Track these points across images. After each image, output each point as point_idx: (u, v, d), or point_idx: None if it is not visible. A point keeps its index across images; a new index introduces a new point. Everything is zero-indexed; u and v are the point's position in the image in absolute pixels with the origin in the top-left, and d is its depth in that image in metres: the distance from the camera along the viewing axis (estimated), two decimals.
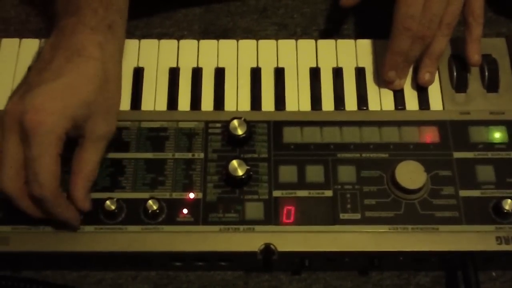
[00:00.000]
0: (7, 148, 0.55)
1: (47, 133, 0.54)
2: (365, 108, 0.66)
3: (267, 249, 0.59)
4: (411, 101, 0.66)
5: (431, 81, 0.66)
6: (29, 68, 0.61)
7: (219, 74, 0.67)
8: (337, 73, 0.68)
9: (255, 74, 0.67)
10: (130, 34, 0.74)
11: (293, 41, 0.69)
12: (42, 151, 0.54)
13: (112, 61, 0.59)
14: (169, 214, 0.60)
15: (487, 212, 0.60)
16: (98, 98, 0.57)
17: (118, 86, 0.61)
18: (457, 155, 0.63)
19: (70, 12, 0.58)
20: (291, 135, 0.64)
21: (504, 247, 0.59)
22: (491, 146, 0.64)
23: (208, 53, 0.69)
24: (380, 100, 0.66)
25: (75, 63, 0.56)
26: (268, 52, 0.69)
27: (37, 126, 0.54)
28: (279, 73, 0.67)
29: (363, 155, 0.63)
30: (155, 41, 0.69)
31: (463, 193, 0.61)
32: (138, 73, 0.67)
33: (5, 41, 0.69)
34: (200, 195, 0.61)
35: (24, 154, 0.55)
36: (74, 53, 0.57)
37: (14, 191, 0.55)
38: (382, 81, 0.67)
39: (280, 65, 0.68)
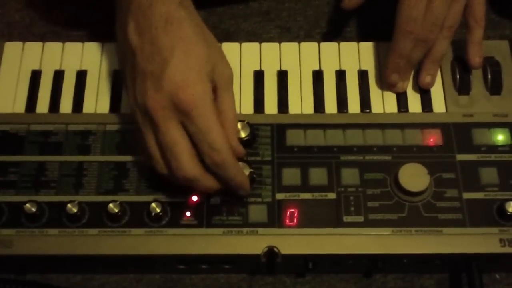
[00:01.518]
0: (172, 137, 0.55)
1: (203, 101, 0.55)
2: (368, 110, 0.66)
3: (271, 252, 0.59)
4: (414, 103, 0.66)
5: (431, 84, 0.66)
6: (122, 63, 0.60)
7: None
8: (340, 75, 0.68)
9: (258, 77, 0.68)
10: None
11: (296, 44, 0.69)
12: (208, 119, 0.55)
13: (195, 15, 0.60)
14: (172, 217, 0.60)
15: (490, 215, 0.60)
16: (210, 49, 0.58)
17: (211, 34, 0.62)
18: (461, 157, 0.63)
19: None
20: (294, 137, 0.64)
21: (508, 250, 0.59)
22: (494, 148, 0.63)
23: None
24: (383, 103, 0.66)
25: (173, 32, 0.56)
26: (271, 55, 0.69)
27: (193, 99, 0.55)
28: (282, 76, 0.68)
29: (366, 157, 0.63)
30: None
31: (467, 195, 0.61)
32: None
33: (9, 44, 0.69)
34: (204, 198, 0.61)
35: (190, 133, 0.55)
36: (165, 23, 0.56)
37: (197, 173, 0.56)
38: (385, 84, 0.67)
39: (283, 68, 0.68)
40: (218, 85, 0.59)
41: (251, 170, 0.61)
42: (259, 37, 0.76)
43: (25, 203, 0.59)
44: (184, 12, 0.57)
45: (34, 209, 0.59)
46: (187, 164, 0.56)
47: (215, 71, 0.58)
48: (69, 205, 0.59)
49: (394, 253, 0.59)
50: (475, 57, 0.65)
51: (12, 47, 0.69)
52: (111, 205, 0.59)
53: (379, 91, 0.67)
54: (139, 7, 0.57)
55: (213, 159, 0.56)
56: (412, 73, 0.67)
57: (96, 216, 0.60)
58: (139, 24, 0.57)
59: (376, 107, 0.66)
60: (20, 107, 0.66)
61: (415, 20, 0.61)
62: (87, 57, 0.69)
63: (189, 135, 0.56)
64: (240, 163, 0.60)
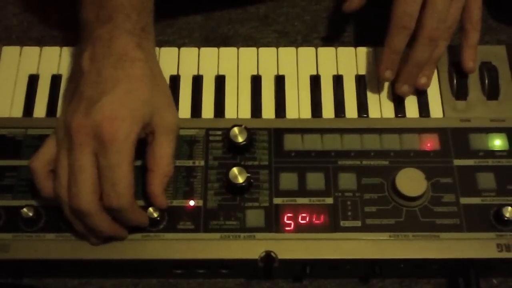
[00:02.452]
0: (80, 164, 0.55)
1: (124, 140, 0.55)
2: (365, 115, 0.66)
3: (268, 257, 0.59)
4: (412, 108, 0.66)
5: (427, 85, 0.66)
6: (70, 81, 0.62)
7: (220, 81, 0.68)
8: (338, 80, 0.68)
9: (256, 81, 0.68)
10: None
11: (293, 49, 0.70)
12: (120, 159, 0.54)
13: (152, 58, 0.60)
14: (170, 221, 0.60)
15: (488, 220, 0.60)
16: (154, 93, 0.58)
17: (164, 79, 0.62)
18: (458, 162, 0.63)
19: (103, 20, 0.58)
20: (291, 142, 0.64)
21: (505, 255, 0.59)
22: (491, 153, 0.64)
23: (209, 60, 0.69)
24: (381, 108, 0.66)
25: (122, 69, 0.57)
26: (269, 60, 0.69)
27: (114, 134, 0.54)
28: (280, 81, 0.68)
29: (364, 162, 0.63)
30: (156, 48, 0.68)
31: (464, 200, 0.61)
32: None
33: (6, 49, 0.69)
34: (201, 203, 0.61)
35: (99, 166, 0.55)
36: (118, 59, 0.57)
37: (92, 208, 0.55)
38: (382, 87, 0.66)
39: (281, 73, 0.68)
40: (157, 130, 0.58)
41: (248, 175, 0.61)
42: (256, 42, 0.76)
43: (22, 207, 0.59)
44: (140, 53, 0.58)
45: (31, 214, 0.59)
46: (85, 195, 0.55)
47: (155, 116, 0.58)
48: None
49: (391, 258, 0.59)
50: (469, 61, 0.65)
51: (9, 51, 0.69)
52: None
53: (377, 96, 0.67)
54: (99, 39, 0.58)
55: (110, 201, 0.55)
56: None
57: None
58: (95, 53, 0.58)
59: (374, 112, 0.66)
60: (17, 111, 0.66)
61: (410, 15, 0.61)
62: None
63: (99, 169, 0.55)
64: (238, 168, 0.61)
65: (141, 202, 0.61)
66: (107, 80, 0.56)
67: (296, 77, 0.68)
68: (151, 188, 0.58)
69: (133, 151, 0.56)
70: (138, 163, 0.60)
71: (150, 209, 0.59)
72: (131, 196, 0.56)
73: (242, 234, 0.60)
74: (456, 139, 0.64)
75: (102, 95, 0.56)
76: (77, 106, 0.56)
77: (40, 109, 0.66)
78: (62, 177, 0.56)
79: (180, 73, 0.68)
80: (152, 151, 0.58)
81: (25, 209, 0.59)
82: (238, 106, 0.66)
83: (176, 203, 0.61)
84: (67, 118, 0.57)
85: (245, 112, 0.66)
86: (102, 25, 0.58)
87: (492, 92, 0.67)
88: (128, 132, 0.55)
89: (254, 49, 0.69)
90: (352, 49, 0.70)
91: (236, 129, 0.63)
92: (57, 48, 0.69)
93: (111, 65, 0.57)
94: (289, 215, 0.61)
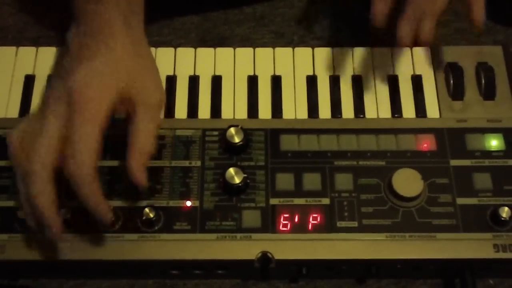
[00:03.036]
0: (45, 128, 0.54)
1: (93, 107, 0.53)
2: (362, 116, 0.66)
3: (264, 257, 0.59)
4: (408, 109, 0.66)
5: (429, 37, 0.62)
6: (57, 64, 0.61)
7: (216, 82, 0.67)
8: (334, 81, 0.68)
9: (252, 82, 0.68)
10: None
11: (290, 49, 0.70)
12: (86, 127, 0.53)
13: (137, 32, 0.60)
14: (166, 222, 0.60)
15: (484, 220, 0.60)
16: (135, 67, 0.57)
17: (150, 53, 0.61)
18: (454, 162, 0.63)
19: (91, 1, 0.58)
20: (288, 142, 0.64)
21: (501, 255, 0.59)
22: (488, 153, 0.64)
23: (205, 61, 0.69)
24: (377, 108, 0.66)
25: (106, 42, 0.56)
26: (265, 60, 0.69)
27: (83, 101, 0.53)
28: (276, 81, 0.68)
29: (360, 162, 0.63)
30: (152, 49, 0.69)
31: (460, 200, 0.61)
32: None
33: (2, 49, 0.69)
34: (197, 203, 0.61)
35: (66, 132, 0.53)
36: (102, 32, 0.57)
37: (38, 169, 0.53)
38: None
39: (277, 73, 0.68)
40: (138, 104, 0.57)
41: (245, 175, 0.61)
42: (253, 42, 0.76)
43: (17, 208, 0.59)
44: (125, 28, 0.58)
45: None
46: (38, 157, 0.53)
47: (136, 89, 0.57)
48: (62, 211, 0.59)
49: (388, 258, 0.59)
50: (478, 16, 0.61)
51: (5, 52, 0.69)
52: None
53: (373, 96, 0.67)
54: (86, 14, 0.58)
55: (67, 168, 0.53)
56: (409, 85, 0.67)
57: (89, 222, 0.59)
58: (81, 28, 0.58)
59: (370, 112, 0.66)
60: (13, 112, 0.66)
61: None
62: None
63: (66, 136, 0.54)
64: (234, 168, 0.61)
65: (143, 202, 0.61)
66: (87, 51, 0.56)
67: (293, 77, 0.68)
68: (128, 164, 0.56)
69: (103, 121, 0.54)
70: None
71: (146, 209, 0.59)
72: (92, 168, 0.53)
73: (238, 235, 0.60)
74: (453, 139, 0.64)
75: (79, 64, 0.55)
76: (57, 75, 0.56)
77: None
78: (25, 141, 0.55)
79: (176, 73, 0.68)
80: (131, 126, 0.57)
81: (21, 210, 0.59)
82: (234, 107, 0.66)
83: (172, 203, 0.61)
84: (47, 89, 0.56)
85: (242, 113, 0.66)
86: (90, 5, 0.58)
87: (488, 92, 0.67)
88: (98, 100, 0.54)
89: (251, 49, 0.69)
90: (348, 49, 0.70)
91: (232, 130, 0.62)
92: (53, 49, 0.69)
93: (93, 37, 0.57)
94: (285, 215, 0.61)
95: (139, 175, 0.56)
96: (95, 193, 0.55)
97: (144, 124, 0.57)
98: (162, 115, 0.63)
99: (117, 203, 0.61)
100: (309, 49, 0.70)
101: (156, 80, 0.60)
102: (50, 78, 0.60)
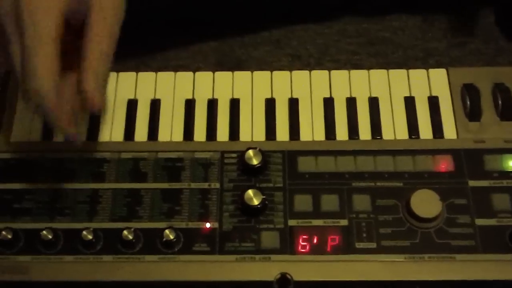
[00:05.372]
0: (13, 49, 0.51)
1: (44, 14, 0.49)
2: (379, 137, 0.66)
3: (283, 279, 0.59)
4: (425, 130, 0.67)
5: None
6: None
7: (234, 105, 0.68)
8: (351, 103, 0.68)
9: (270, 104, 0.68)
10: (147, 66, 0.76)
11: (306, 72, 0.70)
12: (39, 35, 0.49)
13: None
14: (185, 243, 0.61)
15: (503, 241, 0.60)
16: None
17: None
18: (472, 183, 0.63)
19: None
20: (305, 164, 0.65)
21: None
22: (506, 174, 0.64)
23: (223, 84, 0.70)
24: (394, 129, 0.67)
25: None
26: (282, 83, 0.70)
27: (33, 8, 0.49)
28: (293, 104, 0.68)
29: (378, 184, 0.63)
30: (172, 73, 0.70)
31: (479, 221, 0.61)
32: (155, 105, 0.68)
33: None
34: (216, 225, 0.62)
35: (20, 46, 0.49)
36: None
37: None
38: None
39: (294, 96, 0.69)
40: (91, 6, 0.51)
41: (263, 197, 0.61)
42: (269, 65, 0.77)
43: (41, 230, 0.60)
44: None
45: (50, 236, 0.60)
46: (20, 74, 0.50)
47: None
48: (84, 232, 0.60)
49: (407, 280, 0.59)
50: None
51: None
52: (125, 232, 0.60)
53: (390, 117, 0.67)
54: None
55: (28, 83, 0.49)
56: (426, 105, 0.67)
57: (110, 243, 0.60)
58: None
59: (387, 133, 0.67)
60: (36, 135, 0.67)
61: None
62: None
63: None
64: (253, 190, 0.61)
65: (163, 224, 0.61)
66: None
67: (310, 99, 0.69)
68: (82, 79, 0.50)
69: (57, 27, 0.50)
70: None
71: (167, 231, 0.60)
72: (51, 79, 0.50)
73: (257, 256, 0.60)
74: (470, 160, 0.64)
75: None
76: None
77: (58, 133, 0.67)
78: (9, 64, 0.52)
79: (195, 97, 0.69)
80: (85, 35, 0.51)
81: (44, 232, 0.60)
82: (252, 129, 0.67)
83: (191, 225, 0.62)
84: None
85: (260, 135, 0.67)
86: None
87: (505, 113, 0.67)
88: (47, 5, 0.49)
89: (268, 72, 0.70)
90: (365, 71, 0.70)
91: (250, 152, 0.63)
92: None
93: None
94: (304, 236, 0.61)
95: (92, 95, 0.51)
96: (56, 108, 0.51)
97: (98, 33, 0.51)
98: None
99: (138, 224, 0.61)
100: (326, 72, 0.70)
101: None
102: None
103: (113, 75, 0.70)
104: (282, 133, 0.67)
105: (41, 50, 0.49)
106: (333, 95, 0.69)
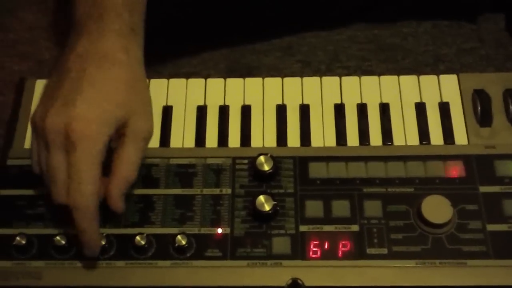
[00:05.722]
0: (53, 163, 0.56)
1: (92, 139, 0.56)
2: (390, 143, 0.66)
3: (295, 284, 0.59)
4: (436, 135, 0.67)
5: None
6: (52, 74, 0.61)
7: (246, 111, 0.69)
8: (362, 109, 0.68)
9: (281, 111, 0.69)
10: (159, 73, 0.77)
11: (317, 78, 0.71)
12: (86, 158, 0.55)
13: (137, 62, 0.61)
14: (197, 249, 0.61)
15: None
16: (131, 98, 0.59)
17: (146, 85, 0.63)
18: (483, 189, 0.63)
19: (94, 17, 0.59)
20: (316, 170, 0.65)
21: None
22: None
23: (235, 91, 0.70)
24: (405, 135, 0.67)
25: (102, 70, 0.58)
26: (293, 89, 0.70)
27: (82, 133, 0.55)
28: (304, 110, 0.69)
29: (389, 189, 0.63)
30: (183, 80, 0.71)
31: (491, 227, 0.61)
32: (167, 111, 0.69)
33: (40, 82, 0.71)
34: (228, 230, 0.62)
35: (69, 163, 0.56)
36: (101, 59, 0.58)
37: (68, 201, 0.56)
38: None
39: (305, 102, 0.69)
40: (127, 135, 0.59)
41: (274, 202, 0.62)
42: (280, 72, 0.77)
43: (54, 235, 0.60)
44: (124, 56, 0.59)
45: (63, 242, 0.60)
46: (59, 194, 0.56)
47: (129, 121, 0.59)
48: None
49: (418, 285, 0.59)
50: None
51: (43, 85, 0.71)
52: (138, 237, 0.60)
53: (401, 123, 0.68)
54: (87, 37, 0.59)
55: (74, 199, 0.55)
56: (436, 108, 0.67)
57: (123, 249, 0.61)
58: (79, 51, 0.59)
59: (398, 139, 0.67)
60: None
61: None
62: None
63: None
64: (264, 196, 0.61)
65: (175, 230, 0.61)
66: (85, 79, 0.57)
67: (321, 106, 0.69)
68: (109, 189, 0.58)
69: (102, 152, 0.56)
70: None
71: (179, 236, 0.60)
72: (92, 196, 0.56)
73: (268, 262, 0.60)
74: (481, 166, 0.64)
75: (77, 94, 0.57)
76: (53, 102, 0.57)
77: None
78: (44, 175, 0.58)
79: (206, 103, 0.70)
80: (118, 154, 0.59)
81: (58, 237, 0.60)
82: (263, 135, 0.67)
83: (204, 230, 0.62)
84: (42, 113, 0.58)
85: (271, 141, 0.67)
86: (91, 23, 0.59)
87: None
88: (96, 132, 0.56)
89: (279, 79, 0.71)
90: (375, 77, 0.70)
91: (262, 158, 0.64)
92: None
93: (92, 65, 0.58)
94: (315, 242, 0.61)
95: (118, 203, 0.59)
96: (95, 226, 0.57)
97: (131, 154, 0.59)
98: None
99: (150, 230, 0.62)
100: (337, 78, 0.71)
101: (148, 112, 0.62)
102: (44, 92, 0.61)
103: None
104: (293, 139, 0.67)
105: (88, 170, 0.55)
106: (344, 101, 0.69)
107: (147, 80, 0.64)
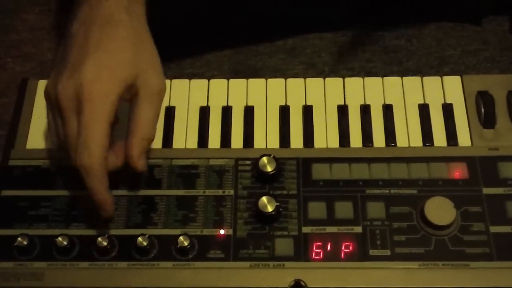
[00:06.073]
0: (70, 129, 0.57)
1: (102, 100, 0.56)
2: (393, 144, 0.66)
3: (297, 286, 0.59)
4: (439, 137, 0.67)
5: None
6: (61, 46, 0.62)
7: (249, 112, 0.69)
8: (365, 110, 0.68)
9: (284, 112, 0.69)
10: None
11: (321, 80, 0.71)
12: (95, 118, 0.55)
13: (139, 20, 0.61)
14: (200, 250, 0.61)
15: None
16: (138, 56, 0.59)
17: (151, 43, 0.62)
18: (487, 191, 0.63)
19: None
20: (319, 171, 0.65)
21: None
22: None
23: (238, 92, 0.70)
24: (408, 137, 0.67)
25: (106, 31, 0.58)
26: (297, 91, 0.70)
27: (91, 95, 0.55)
28: (308, 111, 0.69)
29: (392, 191, 0.63)
30: (186, 81, 0.71)
31: (494, 229, 0.61)
32: (170, 112, 0.69)
33: (43, 82, 0.71)
34: (231, 232, 0.62)
35: (79, 123, 0.56)
36: (104, 21, 0.58)
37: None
38: None
39: (308, 103, 0.69)
40: (140, 93, 0.59)
41: (277, 204, 0.61)
42: (284, 73, 0.77)
43: (56, 236, 0.60)
44: (126, 16, 0.59)
45: (65, 243, 0.60)
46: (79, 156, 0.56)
47: (139, 78, 0.58)
48: (99, 239, 0.60)
49: (421, 287, 0.59)
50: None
51: (44, 85, 0.71)
52: (140, 238, 0.60)
53: (404, 125, 0.68)
54: (88, 3, 0.59)
55: (79, 158, 0.56)
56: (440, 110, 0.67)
57: (125, 250, 0.61)
58: (82, 17, 0.59)
59: (401, 141, 0.67)
60: (51, 142, 0.68)
61: None
62: None
63: None
64: (267, 197, 0.61)
65: (177, 231, 0.62)
66: (91, 42, 0.58)
67: (324, 107, 0.69)
68: (128, 150, 0.58)
69: (112, 112, 0.56)
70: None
71: (181, 237, 0.60)
72: (101, 157, 0.56)
73: (271, 263, 0.60)
74: (485, 167, 0.64)
75: (85, 58, 0.57)
76: (63, 70, 0.58)
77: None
78: (63, 145, 0.58)
79: (209, 104, 0.70)
80: (133, 113, 0.59)
81: (60, 238, 0.60)
82: (266, 136, 0.67)
83: (206, 232, 0.62)
84: (54, 83, 0.58)
85: (274, 142, 0.67)
86: None
87: None
88: (104, 92, 0.56)
89: (282, 80, 0.71)
90: (379, 79, 0.70)
91: (265, 159, 0.63)
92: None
93: (96, 28, 0.58)
94: (318, 243, 0.61)
95: (140, 161, 0.59)
96: (103, 186, 0.57)
97: (145, 112, 0.59)
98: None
99: (152, 231, 0.62)
100: (340, 79, 0.71)
101: (157, 68, 0.61)
102: (55, 63, 0.62)
103: None
104: (296, 140, 0.67)
105: (96, 129, 0.56)
106: (347, 103, 0.69)
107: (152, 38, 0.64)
